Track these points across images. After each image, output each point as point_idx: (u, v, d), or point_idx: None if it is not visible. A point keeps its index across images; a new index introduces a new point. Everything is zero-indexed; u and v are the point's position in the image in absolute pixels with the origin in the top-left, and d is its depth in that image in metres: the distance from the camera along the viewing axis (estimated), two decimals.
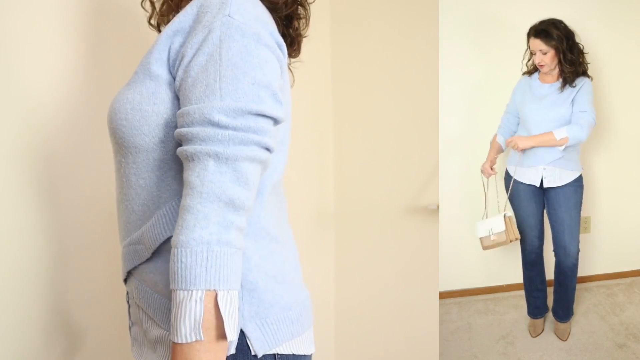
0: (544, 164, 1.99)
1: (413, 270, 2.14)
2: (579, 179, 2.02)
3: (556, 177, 2.00)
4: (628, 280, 2.47)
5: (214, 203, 0.70)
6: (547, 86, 2.00)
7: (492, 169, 2.04)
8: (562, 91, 1.97)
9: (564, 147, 1.90)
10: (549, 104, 1.97)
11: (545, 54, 1.93)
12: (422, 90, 2.09)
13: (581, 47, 1.96)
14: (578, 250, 2.03)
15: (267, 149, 0.75)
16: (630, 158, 2.38)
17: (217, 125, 0.71)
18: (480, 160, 2.27)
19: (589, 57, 2.01)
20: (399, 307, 2.18)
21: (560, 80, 1.99)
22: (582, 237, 2.38)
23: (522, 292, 2.26)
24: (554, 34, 1.92)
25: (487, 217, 2.04)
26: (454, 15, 2.20)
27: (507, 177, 2.10)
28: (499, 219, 1.97)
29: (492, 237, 1.98)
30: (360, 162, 2.23)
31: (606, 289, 2.42)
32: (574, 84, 1.96)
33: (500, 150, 2.09)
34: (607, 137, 2.33)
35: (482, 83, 2.26)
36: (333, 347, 2.34)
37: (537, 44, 1.93)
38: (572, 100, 1.95)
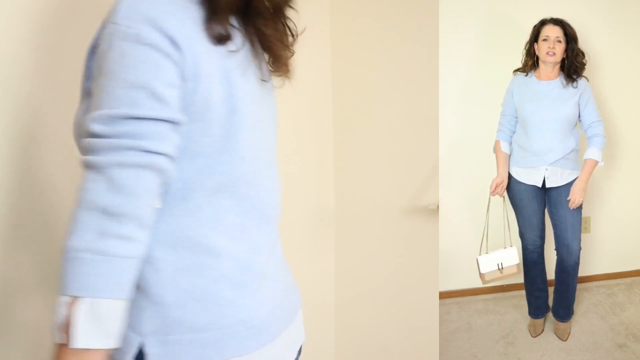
0: (546, 165, 1.99)
1: (413, 270, 2.14)
2: None
3: (558, 177, 2.00)
4: (628, 280, 2.47)
5: (89, 211, 0.70)
6: (545, 83, 1.99)
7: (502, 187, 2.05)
8: (564, 88, 1.98)
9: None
10: (550, 103, 1.97)
11: (560, 42, 1.95)
12: (422, 90, 2.09)
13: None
14: (580, 249, 2.04)
15: (151, 152, 0.73)
16: (630, 158, 2.38)
17: (95, 135, 0.73)
18: (481, 160, 2.27)
19: (589, 58, 2.02)
20: (399, 307, 2.18)
21: (561, 76, 1.99)
22: (582, 237, 2.38)
23: (523, 292, 2.26)
24: (570, 27, 1.97)
25: (487, 252, 2.04)
26: (457, 15, 2.20)
27: (508, 177, 2.09)
28: (512, 252, 2.00)
29: (504, 270, 2.01)
30: (360, 162, 2.23)
31: (606, 289, 2.42)
32: (575, 85, 1.97)
33: (508, 159, 2.08)
34: (607, 137, 2.33)
35: (485, 83, 2.26)
36: (333, 347, 2.34)
37: (557, 30, 1.96)
38: (579, 104, 1.97)
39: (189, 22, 0.78)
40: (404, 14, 2.11)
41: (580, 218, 2.02)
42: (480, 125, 2.28)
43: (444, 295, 2.38)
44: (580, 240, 2.03)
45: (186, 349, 0.78)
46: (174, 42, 0.75)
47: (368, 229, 2.23)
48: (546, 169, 2.00)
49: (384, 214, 2.18)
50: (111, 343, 0.72)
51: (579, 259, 2.04)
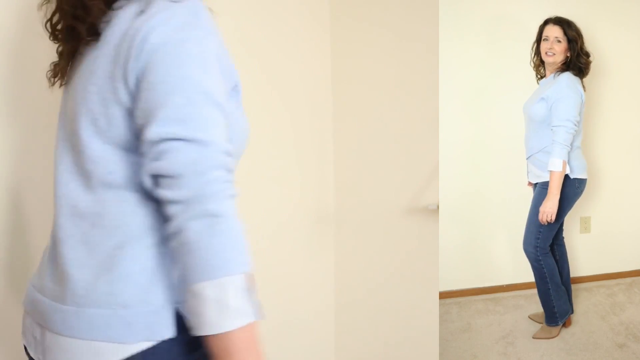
0: (526, 158, 2.01)
1: (413, 270, 2.14)
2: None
3: (533, 174, 2.01)
4: (628, 280, 2.47)
5: None
6: (541, 81, 2.00)
7: None
8: (547, 84, 1.97)
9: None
10: (529, 98, 1.98)
11: (559, 42, 1.91)
12: (423, 90, 2.09)
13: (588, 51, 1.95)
14: (536, 254, 1.96)
15: None
16: (630, 158, 2.38)
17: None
18: (481, 160, 2.27)
19: (594, 58, 1.99)
20: (399, 307, 2.18)
21: (555, 73, 1.98)
22: (582, 237, 2.38)
23: (523, 292, 2.26)
24: (573, 27, 1.92)
25: None
26: (458, 14, 2.20)
27: None
28: None
29: None
30: (360, 161, 2.23)
31: (606, 289, 2.42)
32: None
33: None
34: (607, 137, 2.33)
35: (486, 82, 2.26)
36: (333, 347, 2.34)
37: (556, 30, 1.92)
38: (546, 101, 1.88)
39: None
40: (404, 14, 2.11)
41: (537, 225, 1.93)
42: (481, 125, 2.28)
43: (444, 295, 2.38)
44: (534, 245, 1.95)
45: None
46: None
47: (368, 229, 2.23)
48: (527, 163, 2.02)
49: (384, 214, 2.18)
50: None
51: (537, 263, 1.97)
